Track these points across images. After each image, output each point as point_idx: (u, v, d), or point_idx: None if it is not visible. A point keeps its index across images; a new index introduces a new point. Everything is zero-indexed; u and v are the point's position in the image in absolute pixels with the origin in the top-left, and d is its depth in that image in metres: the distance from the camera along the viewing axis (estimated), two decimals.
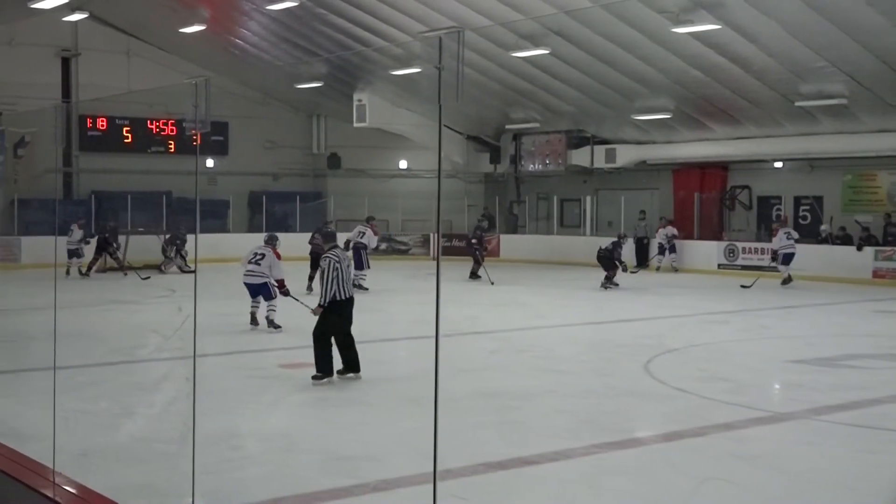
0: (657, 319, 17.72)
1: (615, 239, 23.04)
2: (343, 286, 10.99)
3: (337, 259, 11.04)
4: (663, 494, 7.23)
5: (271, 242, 14.99)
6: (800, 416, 9.84)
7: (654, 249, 28.58)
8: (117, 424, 9.25)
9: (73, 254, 24.03)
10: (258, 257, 14.82)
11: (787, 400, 11.11)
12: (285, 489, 7.09)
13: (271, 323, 15.03)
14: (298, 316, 17.79)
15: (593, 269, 24.20)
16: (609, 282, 22.32)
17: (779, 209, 28.76)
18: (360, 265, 20.68)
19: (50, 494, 4.76)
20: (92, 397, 9.86)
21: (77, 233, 24.35)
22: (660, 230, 28.14)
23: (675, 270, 27.61)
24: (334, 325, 11.03)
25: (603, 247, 22.78)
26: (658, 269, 27.88)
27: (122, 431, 9.02)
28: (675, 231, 28.06)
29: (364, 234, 21.34)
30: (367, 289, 20.33)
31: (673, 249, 27.95)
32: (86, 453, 7.23)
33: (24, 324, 14.46)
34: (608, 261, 22.49)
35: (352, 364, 11.14)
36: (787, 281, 23.11)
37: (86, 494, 4.80)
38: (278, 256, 14.99)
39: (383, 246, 32.08)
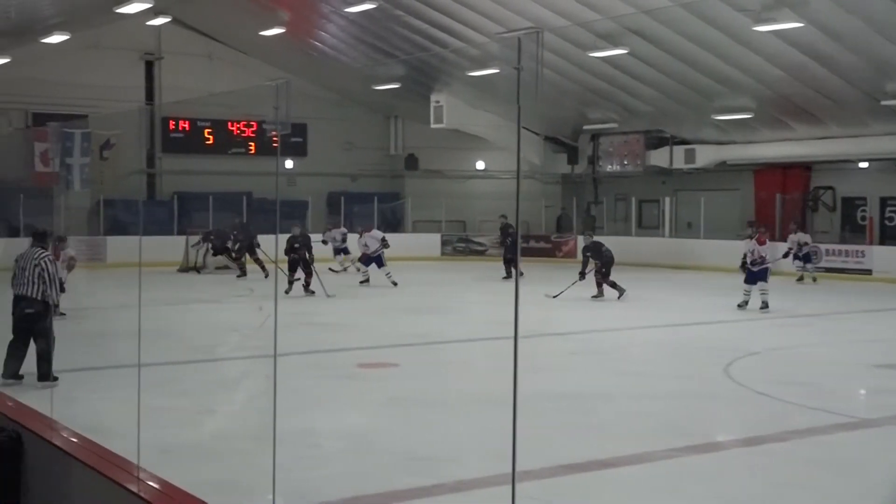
0: (738, 322, 17.46)
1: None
2: (17, 282, 10.67)
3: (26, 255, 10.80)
4: (744, 500, 7.12)
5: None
6: (886, 422, 9.62)
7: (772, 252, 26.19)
8: (198, 421, 9.39)
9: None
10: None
11: (873, 406, 10.86)
12: (363, 488, 7.13)
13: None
14: (374, 317, 17.94)
15: (673, 272, 23.96)
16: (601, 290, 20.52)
17: (864, 210, 28.17)
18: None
19: (135, 490, 4.83)
20: (173, 394, 10.02)
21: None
22: (789, 236, 25.29)
23: (814, 280, 24.85)
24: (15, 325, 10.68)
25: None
26: (800, 279, 25.03)
27: (202, 428, 9.15)
28: (807, 237, 25.14)
29: None
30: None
31: (808, 258, 24.93)
32: (168, 450, 7.35)
33: (108, 322, 14.76)
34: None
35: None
36: None
37: (169, 490, 4.87)
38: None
39: (462, 246, 32.19)
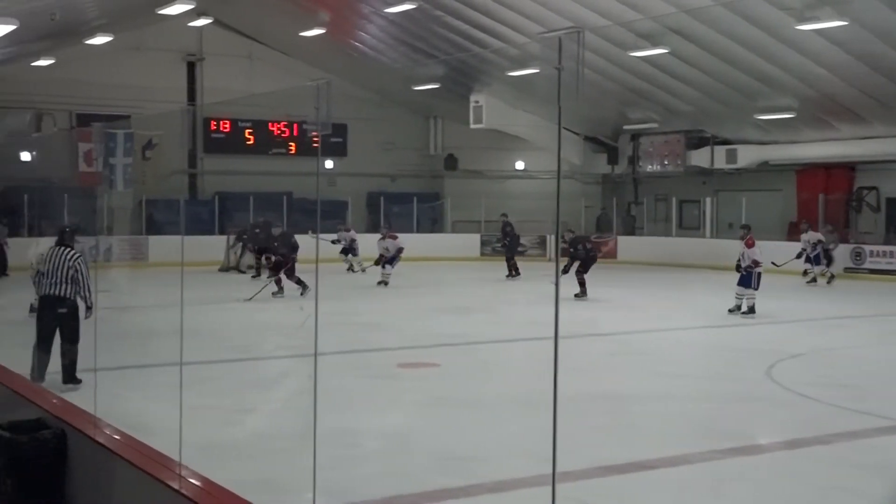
0: (780, 324, 17.30)
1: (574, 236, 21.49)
2: (46, 282, 10.52)
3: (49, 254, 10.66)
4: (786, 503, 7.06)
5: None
6: None
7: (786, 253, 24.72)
8: (238, 420, 9.46)
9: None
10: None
11: None
12: (402, 487, 7.15)
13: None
14: (414, 317, 17.97)
15: (713, 272, 23.75)
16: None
17: None
18: None
19: (176, 487, 4.88)
20: (214, 393, 10.10)
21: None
22: (801, 235, 24.66)
23: (830, 281, 24.19)
24: (44, 325, 10.55)
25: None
26: (812, 281, 24.11)
27: (243, 427, 9.21)
28: (820, 236, 24.33)
29: None
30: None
31: (818, 260, 24.04)
32: (209, 448, 7.40)
33: (150, 321, 14.89)
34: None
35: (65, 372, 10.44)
36: None
37: (210, 488, 4.91)
38: None
39: (499, 247, 32.08)
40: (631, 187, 35.01)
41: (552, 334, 3.84)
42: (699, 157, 31.23)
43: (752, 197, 29.61)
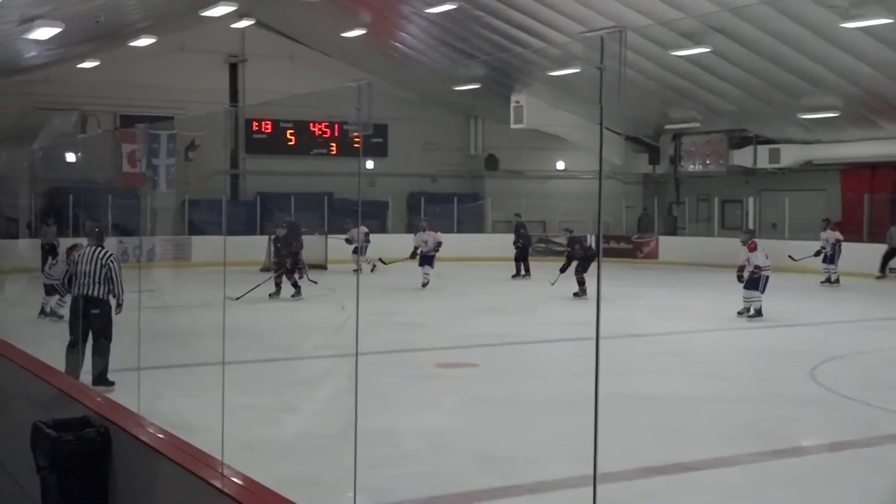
0: (821, 325, 17.14)
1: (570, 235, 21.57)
2: (80, 282, 10.54)
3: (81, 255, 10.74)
4: None
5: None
6: None
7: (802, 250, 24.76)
8: (279, 419, 9.50)
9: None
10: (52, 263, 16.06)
11: None
12: (442, 487, 7.15)
13: (53, 312, 15.60)
14: (452, 317, 17.97)
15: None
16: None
17: None
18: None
19: (219, 486, 4.91)
20: (255, 392, 10.15)
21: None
22: (821, 233, 24.29)
23: (835, 281, 23.68)
24: (78, 326, 10.49)
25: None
26: (826, 281, 23.76)
27: (283, 426, 9.26)
28: (839, 235, 23.93)
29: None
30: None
31: (833, 259, 23.69)
32: (250, 447, 7.44)
33: (193, 320, 15.00)
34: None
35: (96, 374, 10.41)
36: None
37: (253, 486, 4.93)
38: None
39: (541, 247, 32.01)
40: (672, 187, 34.80)
41: (591, 334, 3.83)
42: (742, 157, 30.98)
43: (796, 197, 29.34)
